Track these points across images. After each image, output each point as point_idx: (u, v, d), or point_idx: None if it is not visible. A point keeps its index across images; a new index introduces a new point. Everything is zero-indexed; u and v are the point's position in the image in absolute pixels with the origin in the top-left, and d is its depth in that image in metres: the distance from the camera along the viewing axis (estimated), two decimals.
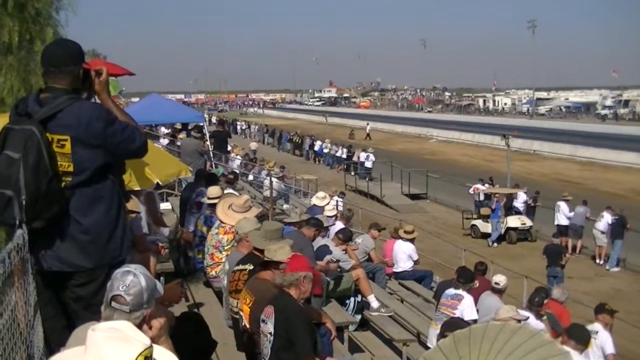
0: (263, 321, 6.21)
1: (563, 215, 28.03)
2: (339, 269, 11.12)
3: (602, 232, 26.15)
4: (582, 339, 9.15)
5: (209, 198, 11.12)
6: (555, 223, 28.06)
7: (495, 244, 29.30)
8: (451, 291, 11.30)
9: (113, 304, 3.75)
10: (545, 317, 11.61)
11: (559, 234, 25.18)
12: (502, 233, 29.62)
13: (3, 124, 4.42)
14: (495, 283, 11.86)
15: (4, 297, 3.65)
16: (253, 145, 58.49)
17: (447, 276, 15.78)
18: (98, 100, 4.74)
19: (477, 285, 11.78)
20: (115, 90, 17.52)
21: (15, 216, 4.12)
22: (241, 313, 7.00)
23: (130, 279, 3.78)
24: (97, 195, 4.50)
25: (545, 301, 11.90)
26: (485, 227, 30.26)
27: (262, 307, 6.38)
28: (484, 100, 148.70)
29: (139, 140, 4.67)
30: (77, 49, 4.66)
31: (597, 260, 26.51)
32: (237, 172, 25.13)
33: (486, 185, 35.45)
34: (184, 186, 15.97)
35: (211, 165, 21.32)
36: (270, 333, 6.13)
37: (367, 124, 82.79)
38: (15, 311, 3.84)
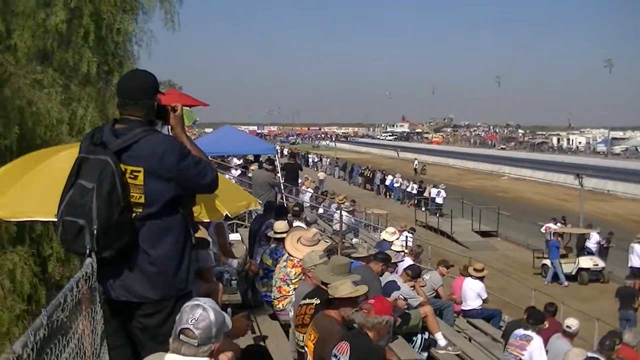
0: (335, 356, 6.16)
1: (637, 257, 27.42)
2: (406, 306, 11.05)
3: None
4: None
5: (275, 232, 11.11)
6: (629, 265, 27.44)
7: (566, 283, 28.82)
8: (520, 331, 11.15)
9: (182, 337, 3.79)
10: None
11: (632, 276, 24.47)
12: (573, 274, 29.22)
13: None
14: (567, 326, 11.62)
15: (71, 325, 3.68)
16: (321, 175, 59.27)
17: (516, 316, 15.58)
18: (172, 133, 4.80)
19: (547, 326, 11.61)
20: (190, 121, 17.80)
21: (86, 245, 4.15)
22: (306, 348, 6.96)
23: (200, 313, 3.81)
24: (166, 228, 4.52)
25: (618, 346, 11.65)
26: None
27: (328, 345, 6.35)
28: (558, 139, 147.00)
29: (211, 175, 4.68)
30: (152, 81, 4.71)
31: None
32: (303, 204, 25.11)
33: (558, 224, 34.89)
34: (253, 217, 16.02)
35: (282, 198, 21.40)
36: None
37: (415, 159, 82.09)
38: (82, 340, 3.87)
